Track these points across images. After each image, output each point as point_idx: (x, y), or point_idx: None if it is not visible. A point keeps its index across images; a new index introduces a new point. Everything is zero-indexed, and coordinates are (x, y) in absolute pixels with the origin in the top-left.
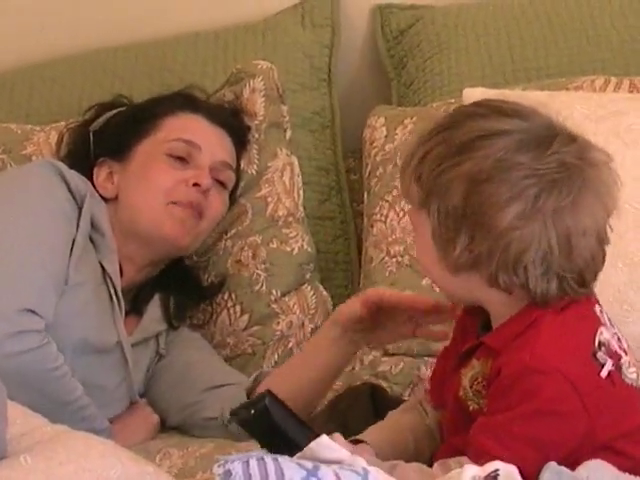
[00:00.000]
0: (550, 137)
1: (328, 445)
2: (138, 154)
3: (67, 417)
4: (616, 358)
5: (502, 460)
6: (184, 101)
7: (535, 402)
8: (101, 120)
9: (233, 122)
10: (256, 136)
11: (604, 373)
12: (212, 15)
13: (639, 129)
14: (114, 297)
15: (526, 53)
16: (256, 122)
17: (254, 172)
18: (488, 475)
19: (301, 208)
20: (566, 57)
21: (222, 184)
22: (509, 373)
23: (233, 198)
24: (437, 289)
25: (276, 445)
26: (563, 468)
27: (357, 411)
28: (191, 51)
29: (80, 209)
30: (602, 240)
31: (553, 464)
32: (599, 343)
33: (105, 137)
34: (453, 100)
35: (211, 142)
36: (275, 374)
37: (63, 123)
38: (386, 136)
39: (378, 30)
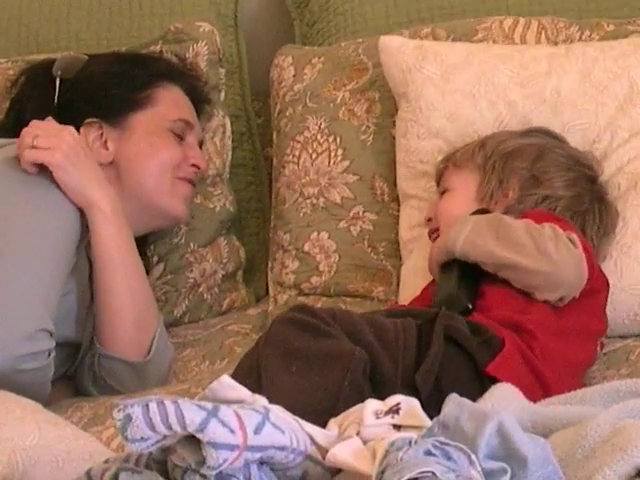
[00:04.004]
0: None
1: (229, 385)
2: (137, 125)
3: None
4: None
5: None
6: (171, 71)
7: None
8: (70, 68)
9: (204, 98)
10: None
11: None
12: None
13: (562, 92)
14: None
15: None
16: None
17: None
18: (390, 409)
19: (227, 169)
20: None
21: None
22: None
23: None
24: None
25: None
26: (465, 400)
27: None
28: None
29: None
30: None
31: (455, 395)
32: None
33: (89, 95)
34: (361, 40)
35: (195, 120)
36: None
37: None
38: (294, 75)
39: None
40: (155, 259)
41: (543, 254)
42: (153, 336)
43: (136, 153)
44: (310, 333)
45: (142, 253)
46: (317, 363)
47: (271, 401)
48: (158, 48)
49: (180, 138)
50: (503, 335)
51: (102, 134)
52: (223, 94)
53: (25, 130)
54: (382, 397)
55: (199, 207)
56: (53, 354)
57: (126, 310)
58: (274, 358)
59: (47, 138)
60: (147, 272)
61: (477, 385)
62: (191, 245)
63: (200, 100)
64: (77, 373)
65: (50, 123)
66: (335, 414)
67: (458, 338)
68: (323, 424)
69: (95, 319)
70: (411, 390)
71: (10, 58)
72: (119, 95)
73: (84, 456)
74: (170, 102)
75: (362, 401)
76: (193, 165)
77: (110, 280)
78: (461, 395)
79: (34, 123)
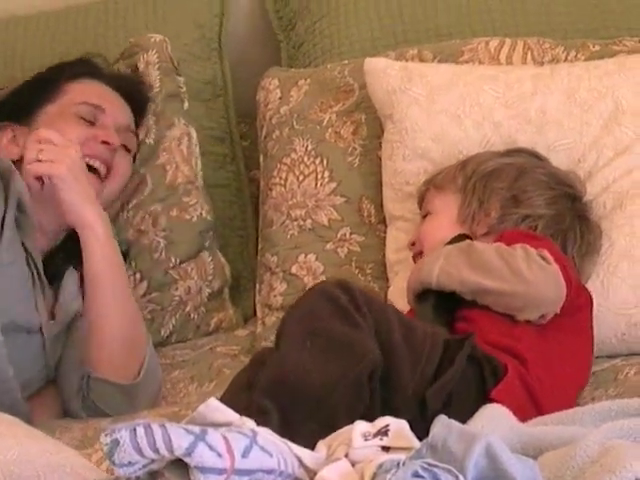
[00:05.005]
0: None
1: (217, 407)
2: (44, 116)
3: None
4: None
5: None
6: (86, 68)
7: None
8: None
9: (133, 90)
10: (152, 107)
11: None
12: None
13: (547, 112)
14: (37, 279)
15: (415, 13)
16: (152, 94)
17: (152, 141)
18: (379, 430)
19: (200, 176)
20: (455, 17)
21: (126, 148)
22: None
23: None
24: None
25: None
26: (453, 421)
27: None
28: (81, 22)
29: (3, 182)
30: None
31: (443, 417)
32: None
33: (5, 103)
34: (347, 61)
35: (114, 105)
36: None
37: None
38: (280, 98)
39: None
40: (138, 276)
41: (517, 275)
42: (143, 358)
43: None
44: (338, 315)
45: None
46: (331, 348)
47: (274, 364)
48: (118, 66)
49: (90, 122)
50: (505, 361)
51: (14, 135)
52: (187, 104)
53: (30, 141)
54: (389, 401)
55: (175, 220)
56: None
57: (116, 332)
58: (295, 325)
59: (52, 152)
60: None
61: None
62: (172, 260)
63: (130, 94)
64: (65, 396)
65: (55, 134)
66: (327, 404)
67: (482, 362)
68: (312, 409)
69: (85, 342)
70: (420, 402)
71: None
72: (28, 96)
73: (65, 469)
74: (78, 91)
75: (359, 401)
76: (103, 142)
77: (101, 302)
78: (467, 418)
79: (40, 132)
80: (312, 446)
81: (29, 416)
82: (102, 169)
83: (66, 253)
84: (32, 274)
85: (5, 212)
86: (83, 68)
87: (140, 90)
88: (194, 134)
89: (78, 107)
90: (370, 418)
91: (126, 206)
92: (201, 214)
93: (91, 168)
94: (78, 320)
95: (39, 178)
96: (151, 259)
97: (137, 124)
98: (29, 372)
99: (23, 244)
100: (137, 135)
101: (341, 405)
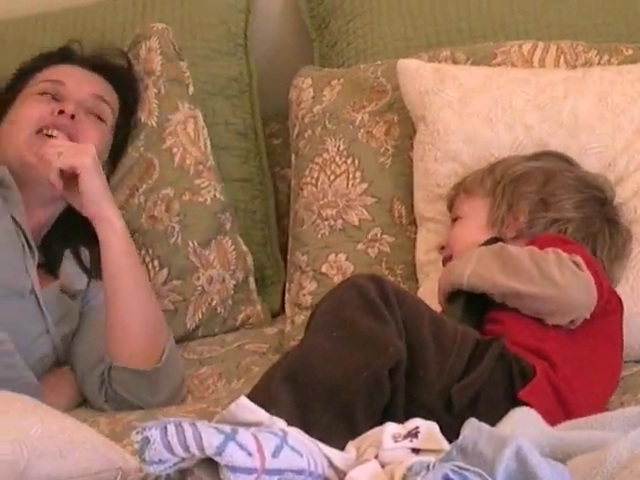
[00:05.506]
0: None
1: (247, 407)
2: (16, 102)
3: None
4: None
5: None
6: (60, 54)
7: None
8: None
9: (112, 66)
10: (155, 91)
11: None
12: None
13: (579, 115)
14: (26, 247)
15: (449, 14)
16: (153, 78)
17: (154, 124)
18: (409, 432)
19: (210, 157)
20: (488, 19)
21: (97, 117)
22: None
23: (127, 144)
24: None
25: None
26: (483, 424)
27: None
28: (109, 17)
29: None
30: None
31: (473, 420)
32: None
33: None
34: (380, 62)
35: (78, 79)
36: None
37: None
38: (313, 97)
39: None
40: (157, 263)
41: (548, 280)
42: (163, 346)
43: (5, 127)
44: (366, 308)
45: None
46: (354, 341)
47: (297, 350)
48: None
49: (54, 99)
50: (533, 362)
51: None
52: (192, 88)
53: (47, 147)
54: (414, 396)
55: (189, 203)
56: None
57: (136, 322)
58: (324, 315)
59: (72, 148)
60: (149, 279)
61: (509, 410)
62: (190, 244)
63: (107, 71)
64: (89, 395)
65: (68, 142)
66: (343, 395)
67: (511, 362)
68: (328, 398)
69: (106, 332)
70: (446, 399)
71: None
72: (10, 87)
73: (85, 446)
74: (46, 73)
75: (378, 395)
76: (60, 112)
77: (121, 294)
78: (494, 418)
79: (54, 142)
80: (328, 437)
81: (40, 394)
82: (61, 137)
83: (62, 237)
84: (22, 245)
85: None
86: (58, 54)
87: (121, 67)
88: (200, 117)
89: (39, 85)
90: (394, 413)
91: (136, 192)
92: (214, 195)
93: (49, 137)
94: (92, 316)
95: (62, 173)
96: (168, 245)
97: (128, 103)
98: (28, 337)
99: (12, 217)
100: (131, 113)
101: (358, 397)
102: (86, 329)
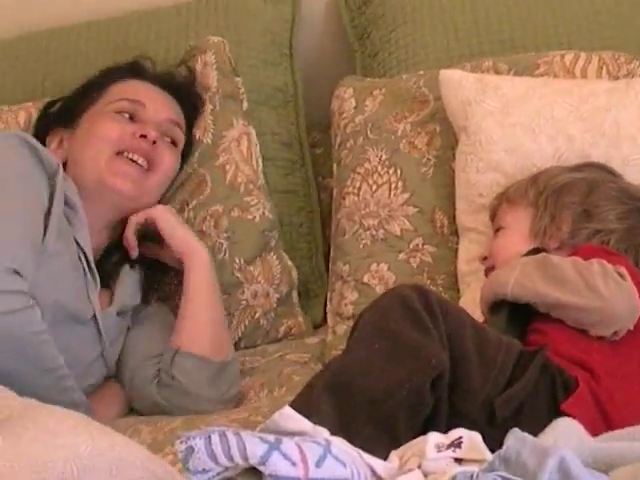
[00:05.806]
0: None
1: (291, 416)
2: (86, 118)
3: (47, 386)
4: None
5: None
6: (131, 69)
7: None
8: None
9: (180, 86)
10: (211, 107)
11: None
12: None
13: (621, 126)
14: (87, 271)
15: (491, 25)
16: (209, 94)
17: (209, 141)
18: (452, 442)
19: (261, 176)
20: (531, 30)
21: (172, 142)
22: None
23: (185, 162)
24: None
25: None
26: (526, 435)
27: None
28: (153, 27)
29: (51, 181)
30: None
31: (517, 430)
32: None
33: (57, 109)
34: (422, 72)
35: (156, 101)
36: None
37: (30, 103)
38: (355, 107)
39: (341, 0)
40: None
41: (592, 290)
42: (230, 347)
43: (80, 142)
44: (409, 319)
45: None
46: (397, 353)
47: (339, 361)
48: (180, 70)
49: (131, 118)
50: (575, 374)
51: (61, 139)
52: (245, 104)
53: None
54: (457, 407)
55: (237, 220)
56: (31, 302)
57: (208, 319)
58: (368, 325)
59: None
60: None
61: (551, 421)
62: (237, 260)
63: (178, 91)
64: (139, 385)
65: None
66: (385, 408)
67: (554, 373)
68: (370, 411)
69: (177, 325)
70: (490, 409)
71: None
72: (76, 100)
73: (135, 463)
74: (120, 89)
75: (420, 407)
76: (141, 136)
77: (195, 311)
78: (536, 429)
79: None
80: (370, 448)
81: (89, 410)
82: (142, 162)
83: (122, 252)
84: (83, 267)
85: (51, 206)
86: (129, 70)
87: (188, 87)
88: (254, 134)
89: (116, 104)
90: (436, 423)
91: (186, 206)
92: (263, 213)
93: (132, 161)
94: (145, 317)
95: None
96: (215, 260)
97: (190, 121)
98: (84, 362)
99: (75, 239)
100: (190, 130)
101: (400, 409)
102: (138, 329)
